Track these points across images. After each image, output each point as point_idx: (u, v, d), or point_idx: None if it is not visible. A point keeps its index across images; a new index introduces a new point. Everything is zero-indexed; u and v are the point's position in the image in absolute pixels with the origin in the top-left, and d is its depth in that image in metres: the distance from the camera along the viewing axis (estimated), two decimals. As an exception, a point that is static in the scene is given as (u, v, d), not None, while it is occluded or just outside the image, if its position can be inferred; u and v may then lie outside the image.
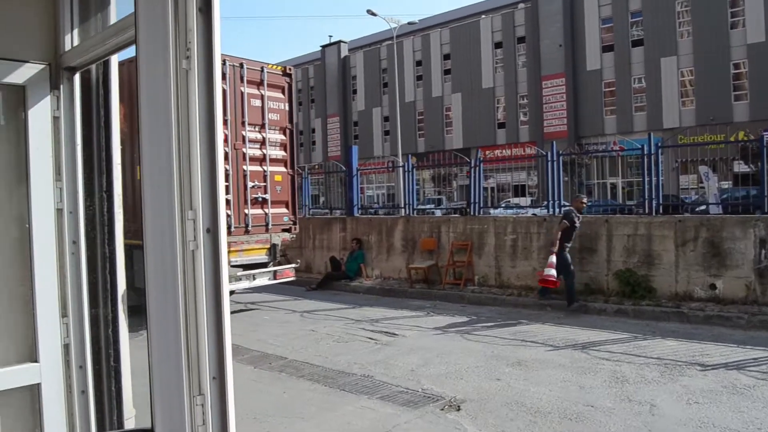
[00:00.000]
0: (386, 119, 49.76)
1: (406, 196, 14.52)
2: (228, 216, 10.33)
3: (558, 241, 10.39)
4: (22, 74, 2.64)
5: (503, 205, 18.75)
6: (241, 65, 10.69)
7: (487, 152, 36.83)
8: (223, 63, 10.24)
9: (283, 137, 11.52)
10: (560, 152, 12.07)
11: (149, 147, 1.99)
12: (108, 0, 2.62)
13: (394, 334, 9.10)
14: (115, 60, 2.72)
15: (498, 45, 43.08)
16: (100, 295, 2.99)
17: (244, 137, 10.68)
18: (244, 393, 6.46)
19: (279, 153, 11.42)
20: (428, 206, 24.85)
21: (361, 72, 53.04)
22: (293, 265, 12.12)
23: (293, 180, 11.75)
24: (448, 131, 46.27)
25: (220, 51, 2.11)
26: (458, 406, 5.89)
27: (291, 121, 11.67)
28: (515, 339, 8.59)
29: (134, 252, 11.28)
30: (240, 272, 10.68)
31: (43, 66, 2.66)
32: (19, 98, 2.65)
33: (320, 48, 56.64)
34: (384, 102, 50.09)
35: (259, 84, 11.04)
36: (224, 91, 10.19)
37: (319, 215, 17.52)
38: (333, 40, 55.77)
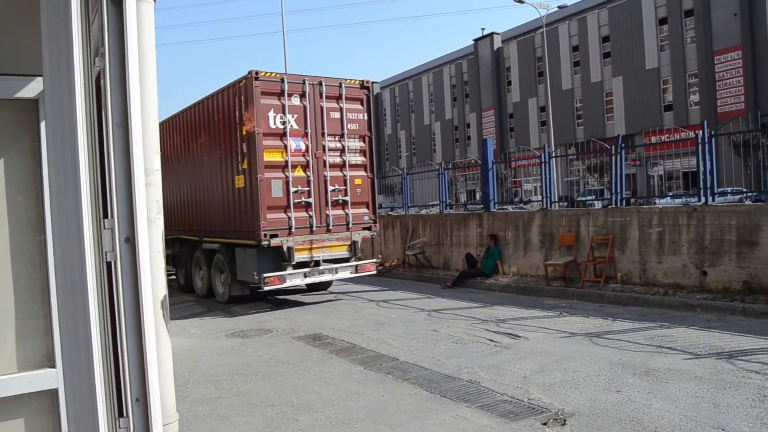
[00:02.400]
0: (542, 109, 48.04)
1: (544, 189, 13.78)
2: (310, 216, 11.70)
3: None
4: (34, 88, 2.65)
5: (671, 195, 17.18)
6: (320, 83, 11.87)
7: (653, 138, 34.10)
8: (303, 82, 11.65)
9: (362, 144, 12.54)
10: (713, 133, 10.68)
11: (54, 151, 1.88)
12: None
13: (518, 336, 8.57)
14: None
15: (662, 21, 39.81)
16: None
17: (324, 146, 11.89)
18: (344, 395, 6.38)
19: (358, 159, 12.49)
20: (588, 198, 23.43)
21: (515, 63, 51.69)
22: (374, 260, 13.18)
23: (373, 183, 12.74)
24: (609, 118, 43.63)
25: (135, 47, 1.94)
26: (564, 420, 5.33)
27: (370, 129, 12.65)
28: (650, 345, 7.67)
29: (236, 250, 12.07)
30: (324, 266, 11.90)
31: None
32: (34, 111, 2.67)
33: (473, 42, 56.02)
34: (540, 92, 48.36)
35: (338, 98, 12.16)
36: (304, 107, 11.64)
37: (458, 212, 17.19)
38: (485, 32, 54.95)
